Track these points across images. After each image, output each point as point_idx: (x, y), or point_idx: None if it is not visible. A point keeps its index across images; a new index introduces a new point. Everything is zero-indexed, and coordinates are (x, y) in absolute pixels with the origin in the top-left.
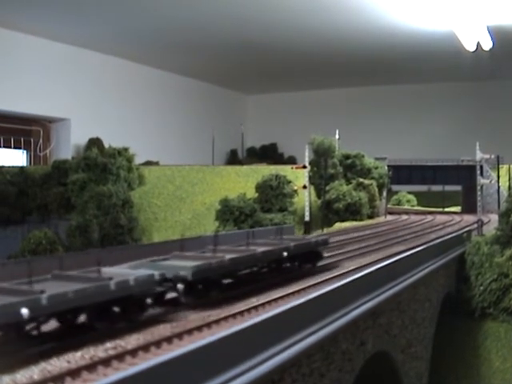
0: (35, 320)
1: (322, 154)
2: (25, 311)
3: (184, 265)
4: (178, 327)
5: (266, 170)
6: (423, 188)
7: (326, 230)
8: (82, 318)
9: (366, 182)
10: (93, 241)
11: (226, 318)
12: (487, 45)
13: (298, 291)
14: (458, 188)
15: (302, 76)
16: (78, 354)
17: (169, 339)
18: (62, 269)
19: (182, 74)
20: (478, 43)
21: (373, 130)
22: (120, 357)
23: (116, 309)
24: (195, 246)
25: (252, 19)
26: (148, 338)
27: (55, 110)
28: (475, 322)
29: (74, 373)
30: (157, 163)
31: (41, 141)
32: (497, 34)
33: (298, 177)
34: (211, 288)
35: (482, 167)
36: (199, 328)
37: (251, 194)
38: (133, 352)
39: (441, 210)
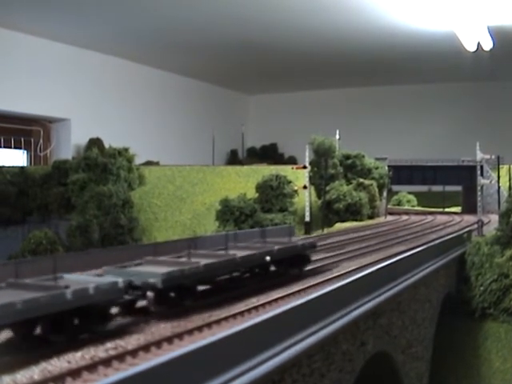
0: None
1: (322, 155)
2: None
3: (155, 271)
4: (179, 327)
5: (266, 170)
6: (423, 188)
7: (326, 231)
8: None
9: (367, 182)
10: (93, 241)
11: (226, 318)
12: (488, 45)
13: (299, 291)
14: (459, 188)
15: (302, 76)
16: (79, 354)
17: (169, 339)
18: (18, 276)
19: (183, 74)
20: (479, 43)
21: (373, 130)
22: (120, 357)
23: (75, 320)
24: (169, 250)
25: (252, 19)
26: (148, 338)
27: (55, 110)
28: (475, 323)
29: (75, 373)
30: (157, 163)
31: (41, 141)
32: (497, 34)
33: (299, 177)
34: (185, 296)
35: (482, 167)
36: (200, 328)
37: (251, 194)
38: (133, 352)
39: (441, 210)
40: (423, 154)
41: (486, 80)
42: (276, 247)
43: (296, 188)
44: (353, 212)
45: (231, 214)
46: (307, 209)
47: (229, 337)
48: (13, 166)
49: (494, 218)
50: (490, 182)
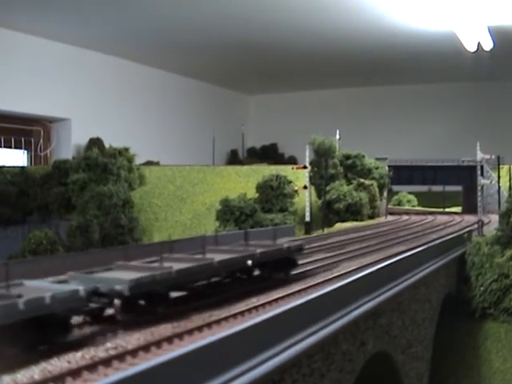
0: None
1: (322, 155)
2: None
3: (122, 277)
4: (179, 327)
5: (266, 170)
6: (424, 188)
7: (326, 231)
8: None
9: (367, 182)
10: (93, 241)
11: (226, 318)
12: (488, 45)
13: (299, 291)
14: (459, 188)
15: (302, 76)
16: (79, 354)
17: (169, 339)
18: None
19: (183, 74)
20: (479, 43)
21: (373, 130)
22: (120, 357)
23: (30, 331)
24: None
25: (252, 19)
26: (148, 337)
27: (56, 110)
28: (475, 323)
29: (75, 373)
30: (157, 163)
31: (41, 141)
32: (497, 34)
33: (299, 177)
34: (156, 303)
35: (482, 167)
36: (200, 328)
37: (252, 194)
38: (133, 352)
39: (441, 210)
40: (423, 154)
41: (486, 80)
42: (259, 250)
43: (296, 188)
44: (353, 212)
45: (231, 213)
46: (307, 209)
47: (229, 337)
48: (13, 166)
49: (495, 218)
50: (491, 182)
